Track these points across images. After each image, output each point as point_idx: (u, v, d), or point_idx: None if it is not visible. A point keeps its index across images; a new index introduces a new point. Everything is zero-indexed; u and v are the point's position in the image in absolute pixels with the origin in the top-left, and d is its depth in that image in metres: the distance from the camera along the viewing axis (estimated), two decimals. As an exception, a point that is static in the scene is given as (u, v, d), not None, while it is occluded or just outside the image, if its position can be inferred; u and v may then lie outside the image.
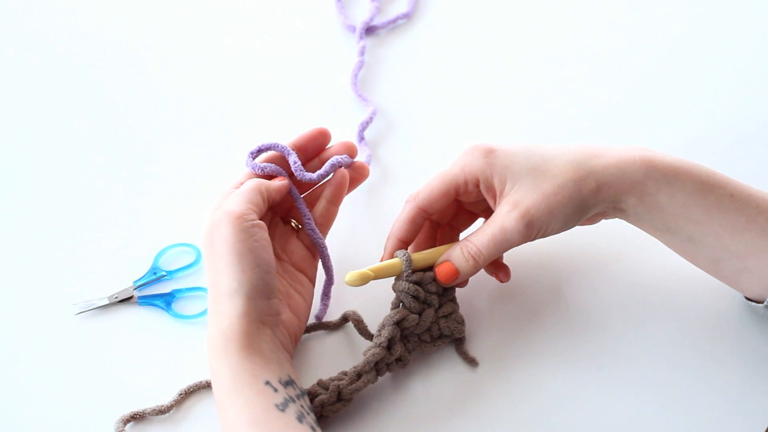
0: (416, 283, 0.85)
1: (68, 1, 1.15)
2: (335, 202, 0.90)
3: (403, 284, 0.85)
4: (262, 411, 0.75)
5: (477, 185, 0.84)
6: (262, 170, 0.87)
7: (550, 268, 0.92)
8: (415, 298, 0.85)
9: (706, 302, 0.89)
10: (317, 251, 0.89)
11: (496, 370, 0.86)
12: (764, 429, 0.83)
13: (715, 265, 0.84)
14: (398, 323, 0.84)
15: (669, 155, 0.82)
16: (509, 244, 0.82)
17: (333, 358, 0.87)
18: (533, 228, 0.82)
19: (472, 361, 0.87)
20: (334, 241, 0.92)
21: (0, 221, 0.97)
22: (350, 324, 0.89)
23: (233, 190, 0.85)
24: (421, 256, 0.86)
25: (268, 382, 0.77)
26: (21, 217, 0.98)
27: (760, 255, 0.81)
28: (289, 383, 0.78)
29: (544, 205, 0.81)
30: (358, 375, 0.83)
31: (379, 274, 0.84)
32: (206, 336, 0.80)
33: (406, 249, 0.87)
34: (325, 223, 0.90)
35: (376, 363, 0.83)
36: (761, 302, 0.84)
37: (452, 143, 1.03)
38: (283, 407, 0.76)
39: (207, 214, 0.84)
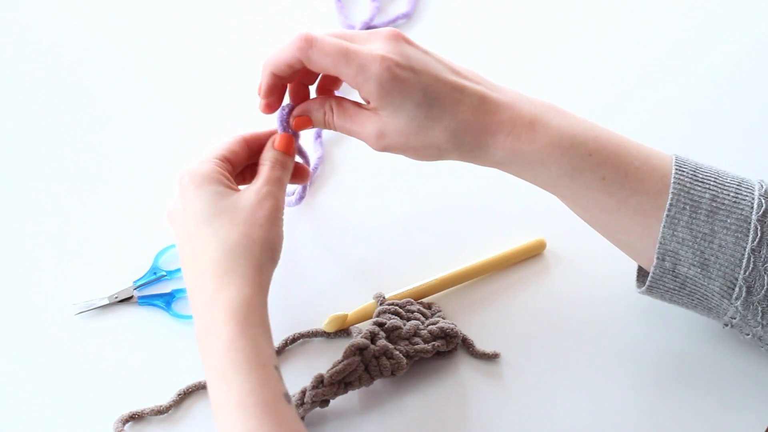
0: (395, 305, 0.88)
1: (68, 2, 1.16)
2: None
3: (380, 307, 0.88)
4: (273, 397, 0.73)
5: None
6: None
7: (547, 286, 0.93)
8: (396, 314, 0.87)
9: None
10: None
11: (491, 386, 0.87)
12: (764, 429, 0.83)
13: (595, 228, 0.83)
14: (379, 324, 0.86)
15: (555, 122, 0.81)
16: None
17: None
18: (387, 150, 0.81)
19: (493, 356, 0.87)
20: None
21: (0, 221, 0.98)
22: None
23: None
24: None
25: (276, 367, 0.75)
26: (21, 217, 0.98)
27: (630, 233, 0.80)
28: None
29: (404, 145, 0.80)
30: (340, 361, 0.83)
31: (357, 317, 0.89)
32: (218, 301, 0.75)
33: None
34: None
35: (361, 351, 0.84)
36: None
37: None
38: (288, 399, 0.74)
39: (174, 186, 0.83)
